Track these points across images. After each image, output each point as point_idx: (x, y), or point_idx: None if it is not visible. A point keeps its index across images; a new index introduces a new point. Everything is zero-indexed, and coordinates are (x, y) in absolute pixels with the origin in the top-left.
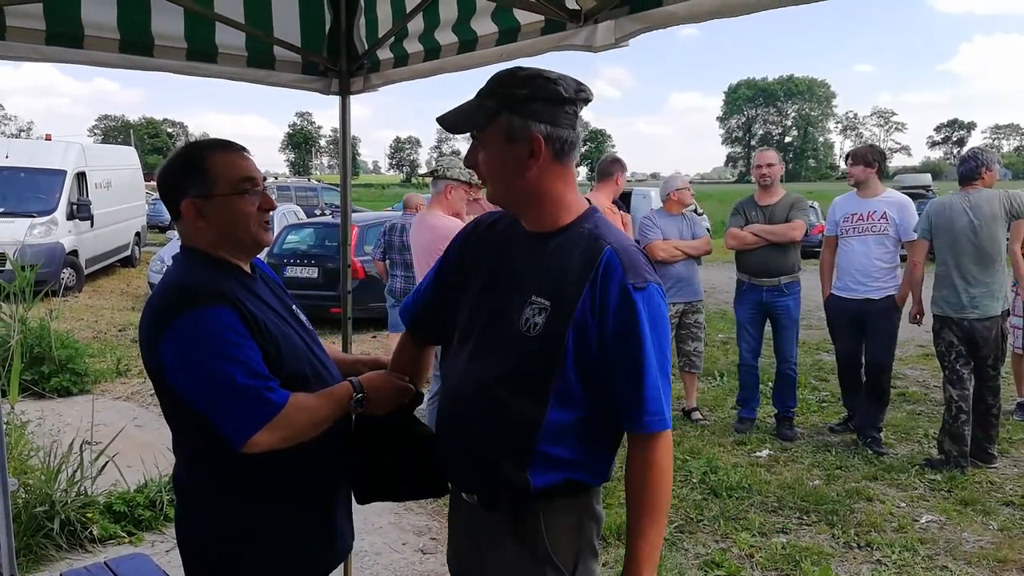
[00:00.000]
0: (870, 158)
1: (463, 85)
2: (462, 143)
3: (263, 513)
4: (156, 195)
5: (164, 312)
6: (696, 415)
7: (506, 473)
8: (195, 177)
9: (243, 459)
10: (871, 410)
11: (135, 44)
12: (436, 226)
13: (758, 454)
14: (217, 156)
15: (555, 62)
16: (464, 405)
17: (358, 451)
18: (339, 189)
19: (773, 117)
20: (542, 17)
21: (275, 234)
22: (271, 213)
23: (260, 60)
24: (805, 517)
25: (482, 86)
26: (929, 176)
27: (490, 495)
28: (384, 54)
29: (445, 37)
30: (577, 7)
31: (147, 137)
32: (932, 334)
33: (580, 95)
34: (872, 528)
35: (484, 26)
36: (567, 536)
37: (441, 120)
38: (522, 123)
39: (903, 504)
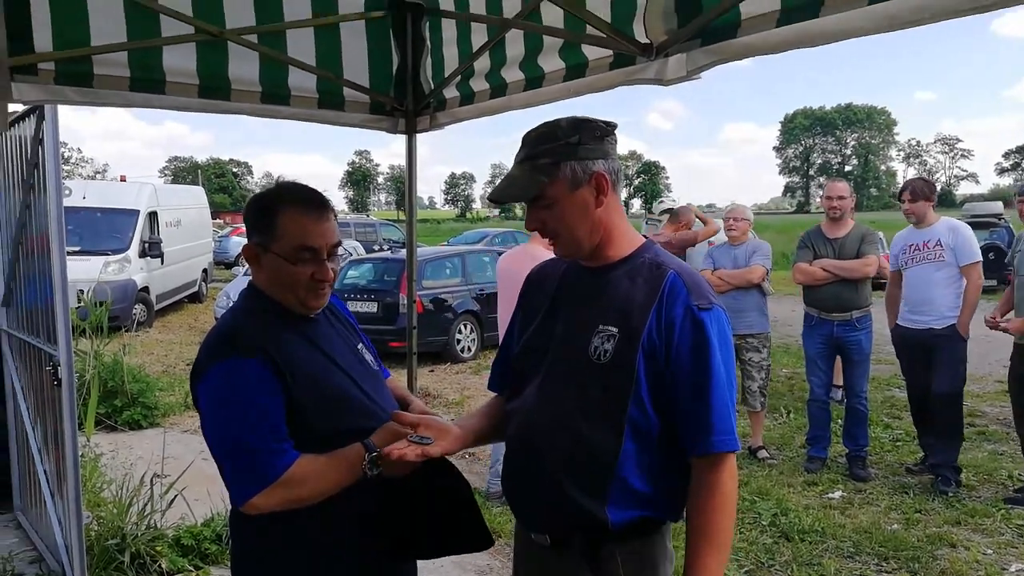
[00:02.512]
0: (928, 192)
1: (520, 122)
2: None
3: (286, 563)
4: (222, 232)
5: (202, 358)
6: (763, 453)
7: (585, 508)
8: (262, 225)
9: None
10: (944, 446)
11: (213, 89)
12: (537, 257)
13: (831, 495)
14: (290, 213)
15: (608, 93)
16: (538, 440)
17: (387, 507)
18: (396, 224)
19: (832, 146)
20: (611, 52)
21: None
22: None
23: (330, 101)
24: (884, 564)
25: (519, 153)
26: (1000, 204)
27: (564, 534)
28: (450, 92)
29: (512, 75)
30: (647, 40)
31: (214, 177)
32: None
33: (611, 126)
34: None
35: (551, 63)
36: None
37: (498, 197)
38: (582, 166)
39: (989, 551)
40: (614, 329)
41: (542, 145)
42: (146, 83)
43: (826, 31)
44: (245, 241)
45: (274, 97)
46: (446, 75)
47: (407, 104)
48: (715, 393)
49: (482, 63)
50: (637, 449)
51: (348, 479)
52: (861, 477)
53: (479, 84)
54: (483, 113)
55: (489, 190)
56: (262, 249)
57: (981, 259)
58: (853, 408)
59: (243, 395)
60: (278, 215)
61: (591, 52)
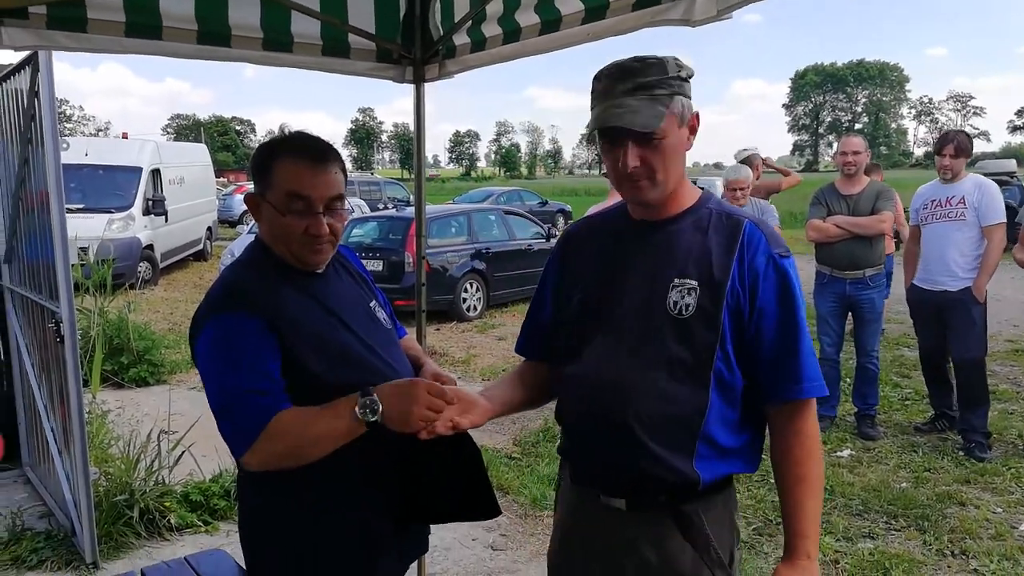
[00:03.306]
0: (971, 148)
1: (527, 77)
2: (520, 135)
3: (294, 519)
4: (226, 191)
5: (201, 312)
6: None
7: (674, 467)
8: (260, 174)
9: None
10: (969, 413)
11: (213, 35)
12: None
13: (839, 454)
14: (284, 162)
15: (611, 42)
16: (615, 400)
17: (396, 470)
18: (401, 183)
19: (842, 103)
20: None
21: None
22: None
23: (335, 49)
24: (893, 522)
25: (622, 82)
26: (1013, 162)
27: (645, 496)
28: (460, 39)
29: (526, 18)
30: None
31: (216, 135)
32: None
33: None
34: (967, 535)
35: (569, 4)
36: (727, 531)
37: (621, 123)
38: (687, 104)
39: (999, 509)
40: (693, 282)
41: (656, 75)
42: (142, 28)
43: None
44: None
45: (276, 44)
46: (456, 20)
47: (415, 52)
48: (803, 340)
49: (495, 6)
50: (721, 404)
51: (339, 428)
52: (870, 436)
53: (491, 29)
54: (495, 60)
55: (494, 148)
56: (260, 198)
57: (1005, 220)
58: (864, 367)
59: (231, 351)
60: (274, 162)
61: None
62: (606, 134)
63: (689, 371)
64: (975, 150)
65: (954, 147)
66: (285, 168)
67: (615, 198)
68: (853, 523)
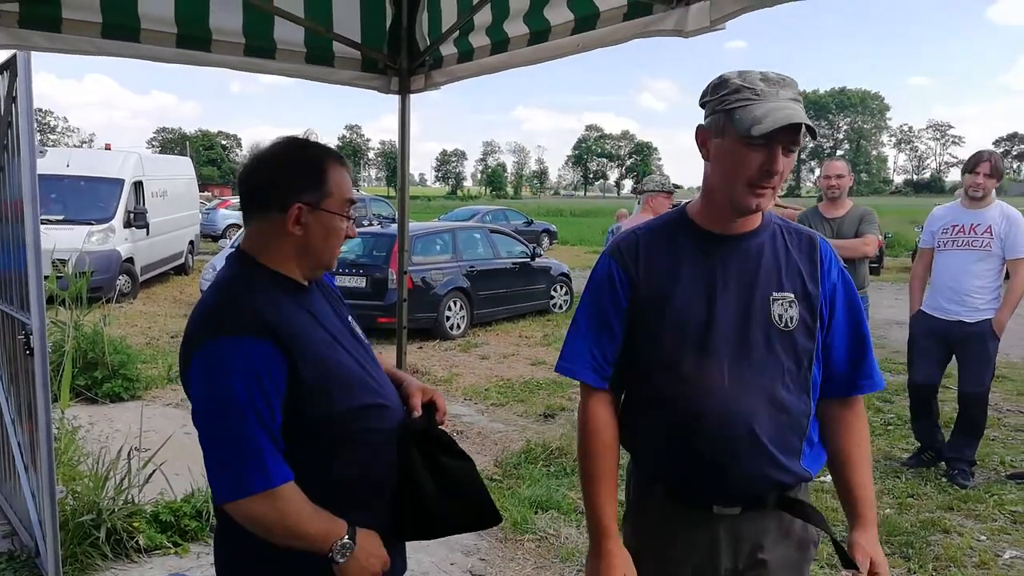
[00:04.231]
0: (1003, 170)
1: (515, 96)
2: (506, 155)
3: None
4: (210, 205)
5: (200, 329)
6: None
7: (790, 470)
8: (313, 182)
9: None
10: (963, 442)
11: (193, 39)
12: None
13: (822, 479)
14: (336, 169)
15: (597, 65)
16: (739, 414)
17: (398, 489)
18: (386, 200)
19: (824, 130)
20: (625, 1)
21: None
22: None
23: (319, 57)
24: None
25: (784, 89)
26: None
27: (760, 499)
28: (447, 49)
29: (515, 28)
30: None
31: (202, 149)
32: None
33: None
34: (951, 563)
35: (559, 14)
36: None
37: (803, 120)
38: None
39: (983, 537)
40: (790, 295)
41: (795, 89)
42: (119, 29)
43: None
44: (233, 214)
45: (259, 50)
46: (443, 30)
47: (401, 61)
48: (870, 342)
49: (483, 16)
50: (814, 404)
51: (315, 543)
52: None
53: (479, 39)
54: (483, 71)
55: (481, 167)
56: (311, 208)
57: None
58: None
59: (251, 378)
60: (328, 170)
61: (603, 1)
62: (777, 134)
63: (795, 379)
64: (954, 179)
65: (989, 166)
66: (339, 175)
67: (645, 216)
68: None
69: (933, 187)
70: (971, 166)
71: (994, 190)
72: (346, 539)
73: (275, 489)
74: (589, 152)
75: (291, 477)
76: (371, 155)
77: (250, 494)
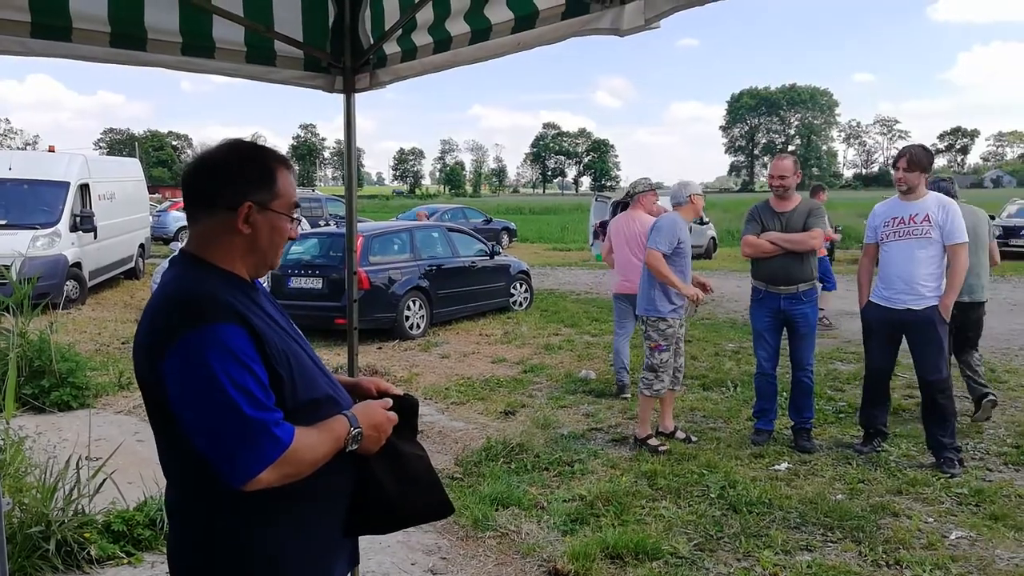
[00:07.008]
0: (926, 162)
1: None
2: (464, 153)
3: (265, 542)
4: (160, 207)
5: (170, 324)
6: (680, 435)
7: None
8: (262, 183)
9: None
10: (938, 432)
11: (127, 37)
12: (642, 220)
13: (777, 467)
14: (284, 172)
15: (553, 63)
16: None
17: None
18: (342, 200)
19: (776, 126)
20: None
21: None
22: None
23: (260, 56)
24: (830, 534)
25: None
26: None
27: None
28: (391, 48)
29: (456, 27)
30: None
31: (152, 150)
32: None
33: None
34: (901, 545)
35: (499, 13)
36: None
37: None
38: None
39: (931, 519)
40: None
41: None
42: (49, 29)
43: None
44: (184, 216)
45: (197, 49)
46: (386, 28)
47: (345, 60)
48: None
49: (425, 15)
50: None
51: (332, 453)
52: (806, 449)
53: (422, 38)
54: (427, 70)
55: (439, 165)
56: (260, 208)
57: (968, 240)
58: (799, 381)
59: (235, 361)
60: (276, 172)
61: (542, 0)
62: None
63: None
64: None
65: (907, 160)
66: (286, 178)
67: (638, 212)
68: (791, 536)
69: (881, 180)
70: (894, 162)
71: (925, 181)
72: (352, 430)
73: (286, 451)
74: (547, 150)
75: (292, 428)
76: (327, 154)
77: (269, 464)
